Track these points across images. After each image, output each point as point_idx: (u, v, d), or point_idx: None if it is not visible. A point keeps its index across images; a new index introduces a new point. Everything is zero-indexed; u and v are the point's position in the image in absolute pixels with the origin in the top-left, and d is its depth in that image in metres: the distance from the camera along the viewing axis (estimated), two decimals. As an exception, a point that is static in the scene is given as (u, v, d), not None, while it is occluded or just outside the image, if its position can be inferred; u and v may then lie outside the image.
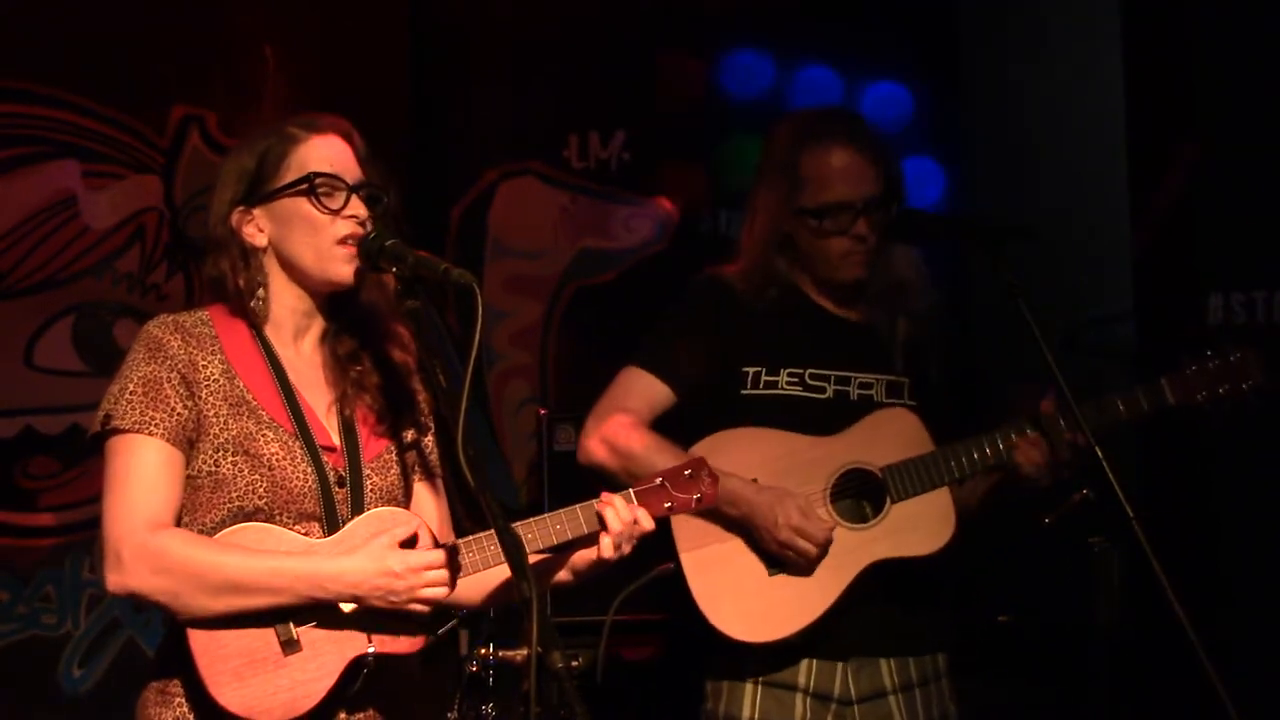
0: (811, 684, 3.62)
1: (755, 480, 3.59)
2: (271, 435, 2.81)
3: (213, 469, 2.78)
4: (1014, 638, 5.20)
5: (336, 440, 2.87)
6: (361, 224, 2.84)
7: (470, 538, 2.85)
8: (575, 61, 5.97)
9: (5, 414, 5.33)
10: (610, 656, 4.20)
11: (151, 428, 2.76)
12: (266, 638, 2.72)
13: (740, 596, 3.60)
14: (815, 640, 3.60)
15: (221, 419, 2.80)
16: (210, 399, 2.80)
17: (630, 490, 2.97)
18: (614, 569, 2.95)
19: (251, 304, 2.87)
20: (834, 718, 3.63)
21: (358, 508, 2.83)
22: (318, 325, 2.92)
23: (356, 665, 2.76)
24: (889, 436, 3.67)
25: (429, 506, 2.96)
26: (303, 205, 2.84)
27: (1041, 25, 6.14)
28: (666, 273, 5.79)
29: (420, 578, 2.74)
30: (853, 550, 3.60)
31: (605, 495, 2.92)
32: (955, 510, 3.64)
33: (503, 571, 2.80)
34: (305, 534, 2.79)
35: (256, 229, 2.87)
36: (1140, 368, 5.35)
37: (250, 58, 5.52)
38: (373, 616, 2.76)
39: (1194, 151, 5.38)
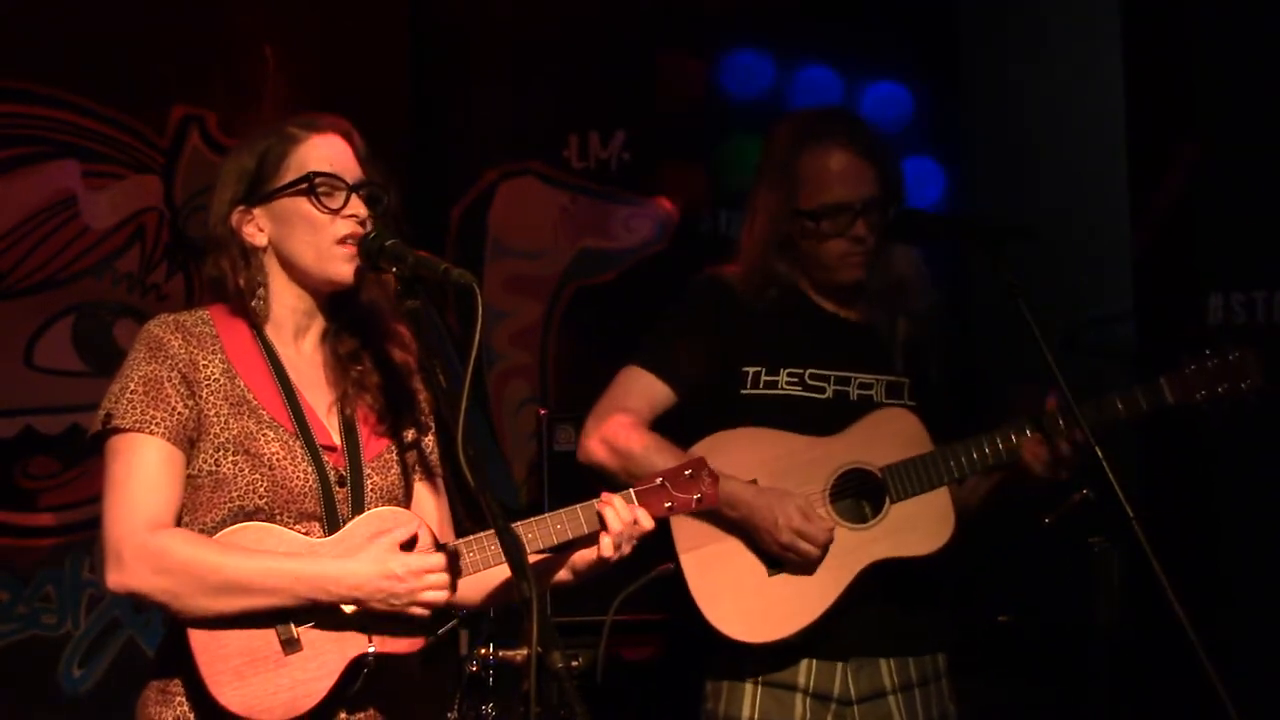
0: (811, 684, 3.62)
1: (755, 481, 3.59)
2: (272, 435, 2.81)
3: (213, 468, 2.78)
4: (1014, 638, 5.20)
5: (337, 440, 2.87)
6: (361, 223, 2.84)
7: (470, 538, 2.85)
8: (575, 61, 5.97)
9: (5, 414, 5.33)
10: (610, 656, 4.20)
11: (152, 427, 2.76)
12: (267, 637, 2.72)
13: (740, 596, 3.60)
14: (815, 640, 3.60)
15: (222, 418, 2.80)
16: (211, 398, 2.80)
17: (631, 490, 2.97)
18: (614, 569, 2.95)
19: (252, 304, 2.87)
20: (834, 718, 3.63)
21: (358, 507, 2.83)
22: (318, 325, 2.92)
23: (357, 665, 2.76)
24: (888, 436, 3.67)
25: (429, 506, 2.96)
26: (302, 205, 2.85)
27: (1041, 25, 6.14)
28: (666, 273, 5.79)
29: (421, 581, 2.74)
30: (852, 550, 3.60)
31: (605, 495, 2.92)
32: (955, 510, 3.65)
33: (503, 571, 2.80)
34: (305, 533, 2.79)
35: (256, 229, 2.87)
36: (1140, 368, 5.35)
37: (250, 58, 5.53)
38: (373, 616, 2.76)
39: (1194, 151, 5.38)
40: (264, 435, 2.80)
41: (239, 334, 2.87)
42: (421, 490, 2.97)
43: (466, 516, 3.00)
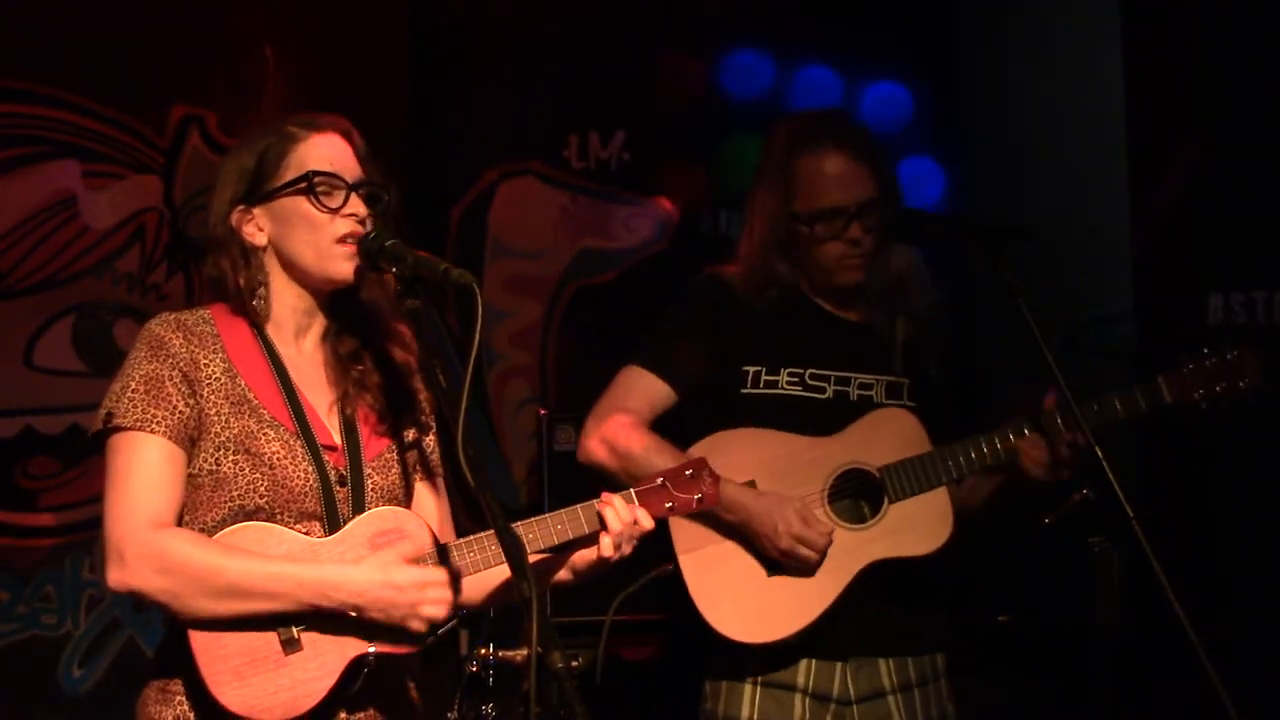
0: (810, 684, 3.62)
1: (753, 482, 3.59)
2: (273, 434, 2.81)
3: (214, 468, 2.78)
4: (1014, 638, 5.20)
5: (338, 439, 2.87)
6: (361, 222, 2.84)
7: (470, 538, 2.85)
8: (575, 61, 5.98)
9: (5, 414, 5.33)
10: (610, 656, 4.20)
11: (153, 425, 2.76)
12: (267, 637, 2.72)
13: (739, 597, 3.60)
14: (814, 640, 3.60)
15: (223, 417, 2.80)
16: (212, 397, 2.80)
17: (631, 490, 2.97)
18: (614, 569, 2.95)
19: (253, 303, 2.87)
20: (833, 718, 3.63)
21: (359, 507, 2.83)
22: (319, 324, 2.92)
23: (357, 665, 2.76)
24: (887, 437, 3.67)
25: (430, 506, 2.96)
26: (302, 204, 2.85)
27: (1041, 25, 6.14)
28: (666, 273, 5.79)
29: (423, 594, 2.74)
30: (851, 551, 3.60)
31: (605, 495, 2.92)
32: (953, 510, 3.65)
33: (503, 571, 2.80)
34: (306, 533, 2.79)
35: (256, 228, 2.87)
36: (1140, 368, 5.35)
37: (250, 58, 5.53)
38: (373, 623, 2.76)
39: (1194, 151, 5.38)
40: (265, 434, 2.80)
41: (240, 333, 2.87)
42: (422, 490, 2.97)
43: (466, 516, 3.01)
